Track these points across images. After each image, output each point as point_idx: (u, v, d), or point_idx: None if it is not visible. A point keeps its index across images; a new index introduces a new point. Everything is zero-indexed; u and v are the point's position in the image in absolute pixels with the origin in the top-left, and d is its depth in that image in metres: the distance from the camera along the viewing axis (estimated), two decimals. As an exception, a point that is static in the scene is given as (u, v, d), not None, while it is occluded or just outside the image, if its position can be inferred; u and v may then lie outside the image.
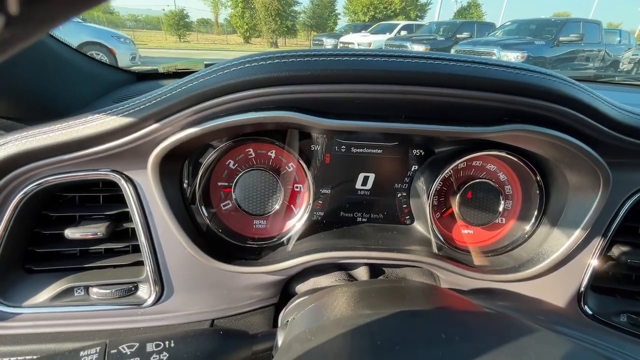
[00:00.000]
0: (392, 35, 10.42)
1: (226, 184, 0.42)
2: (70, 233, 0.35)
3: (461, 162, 0.42)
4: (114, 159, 0.34)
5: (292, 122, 0.29)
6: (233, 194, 0.39)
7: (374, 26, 11.76)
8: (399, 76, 0.28)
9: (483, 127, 0.31)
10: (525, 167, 0.41)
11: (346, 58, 0.29)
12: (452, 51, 7.30)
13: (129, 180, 0.35)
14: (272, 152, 0.42)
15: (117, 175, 0.35)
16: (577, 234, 0.37)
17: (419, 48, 8.24)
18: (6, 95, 0.44)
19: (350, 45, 9.95)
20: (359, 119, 0.32)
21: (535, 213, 0.42)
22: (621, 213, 0.38)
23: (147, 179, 0.34)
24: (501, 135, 0.31)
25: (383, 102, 0.29)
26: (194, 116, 0.30)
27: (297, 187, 0.43)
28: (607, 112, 0.32)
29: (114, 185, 0.36)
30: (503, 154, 0.40)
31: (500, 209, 0.42)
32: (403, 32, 10.63)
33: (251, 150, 0.41)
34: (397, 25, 10.94)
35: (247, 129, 0.34)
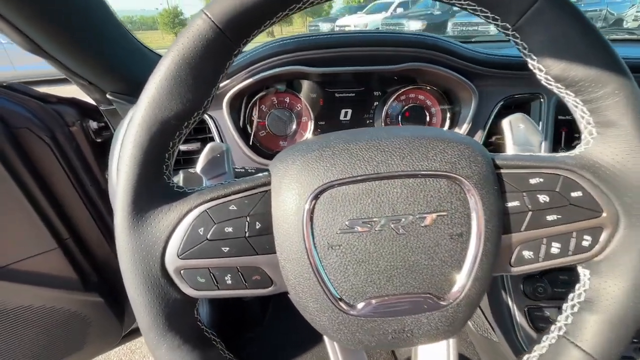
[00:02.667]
0: (388, 14, 10.43)
1: (261, 120, 0.70)
2: (183, 147, 0.64)
3: (402, 95, 0.69)
4: None
5: (300, 71, 0.57)
6: (266, 123, 0.68)
7: (369, 6, 11.76)
8: (349, 41, 0.56)
9: (395, 65, 0.58)
10: (439, 95, 0.68)
11: (327, 36, 0.57)
12: (449, 24, 7.35)
13: (211, 116, 0.63)
14: (287, 99, 0.70)
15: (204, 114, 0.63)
16: (468, 127, 0.64)
17: (415, 24, 8.26)
18: (110, 73, 0.69)
19: (346, 28, 9.99)
20: (335, 65, 0.59)
21: (448, 123, 0.69)
22: (493, 113, 0.64)
23: (221, 114, 0.62)
24: (405, 68, 0.58)
25: (344, 57, 0.57)
26: (249, 73, 0.57)
27: (304, 119, 0.71)
28: (466, 53, 0.59)
29: (200, 122, 0.64)
30: (424, 87, 0.67)
31: (426, 122, 0.69)
32: (399, 10, 10.63)
33: (274, 98, 0.69)
34: (392, 3, 10.95)
35: (277, 80, 0.62)
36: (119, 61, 0.68)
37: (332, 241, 0.29)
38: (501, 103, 0.63)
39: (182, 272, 0.31)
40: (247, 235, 0.31)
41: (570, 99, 0.32)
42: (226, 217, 0.31)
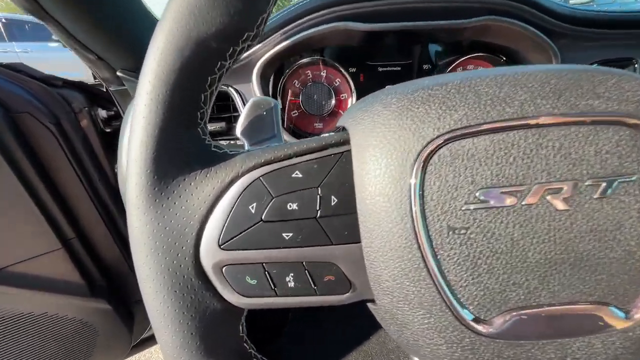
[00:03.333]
0: None
1: (293, 98, 0.60)
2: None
3: (457, 67, 0.59)
4: (226, 77, 0.52)
5: (346, 29, 0.47)
6: (300, 100, 0.58)
7: None
8: None
9: (468, 19, 0.48)
10: (506, 63, 0.57)
11: None
12: None
13: (237, 91, 0.54)
14: (324, 72, 0.60)
15: (230, 88, 0.53)
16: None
17: None
18: (122, 46, 0.60)
19: None
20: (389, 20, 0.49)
21: None
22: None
23: (250, 88, 0.52)
24: (480, 23, 0.48)
25: (400, 10, 0.47)
26: (283, 35, 0.48)
27: (342, 97, 0.61)
28: (552, 6, 0.48)
29: (224, 99, 0.55)
30: (483, 54, 0.57)
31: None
32: None
33: (309, 72, 0.59)
34: None
35: (313, 46, 0.52)
36: (133, 33, 0.59)
37: (453, 222, 0.19)
38: None
39: (224, 269, 0.21)
40: (318, 215, 0.21)
41: None
42: (289, 188, 0.21)
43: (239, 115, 0.54)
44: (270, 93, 0.58)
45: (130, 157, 0.20)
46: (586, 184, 0.19)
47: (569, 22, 0.49)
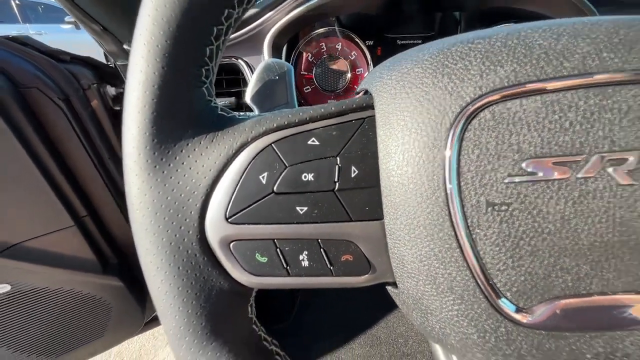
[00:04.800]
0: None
1: (306, 72, 0.57)
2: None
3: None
4: (236, 48, 0.50)
5: None
6: (314, 75, 0.55)
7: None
8: None
9: None
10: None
11: None
12: None
13: (247, 64, 0.51)
14: (339, 45, 0.56)
15: (240, 60, 0.51)
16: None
17: None
18: (130, 17, 0.58)
19: None
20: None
21: None
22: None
23: (259, 60, 0.49)
24: None
25: None
26: (297, 1, 0.44)
27: (358, 71, 0.58)
28: None
29: (233, 73, 0.52)
30: (512, 23, 0.52)
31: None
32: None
33: (324, 44, 0.56)
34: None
35: (328, 14, 0.48)
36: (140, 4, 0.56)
37: (493, 197, 0.17)
38: None
39: (231, 245, 0.19)
40: (337, 187, 0.19)
41: None
42: (304, 157, 0.19)
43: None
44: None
45: (126, 118, 0.17)
46: None
47: None
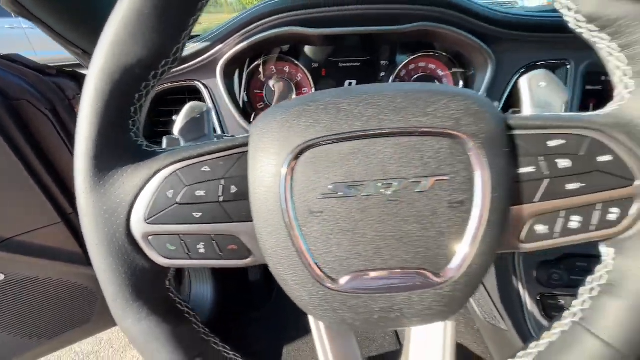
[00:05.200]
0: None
1: (259, 91, 0.66)
2: (174, 117, 0.61)
3: (410, 63, 0.64)
4: (196, 72, 0.58)
5: (297, 33, 0.53)
6: (264, 94, 0.64)
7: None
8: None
9: (404, 25, 0.52)
10: (451, 63, 0.62)
11: None
12: None
13: (205, 85, 0.60)
14: (286, 68, 0.65)
15: (198, 82, 0.60)
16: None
17: None
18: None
19: None
20: (336, 26, 0.54)
21: None
22: (511, 83, 0.58)
23: (216, 83, 0.58)
24: (414, 29, 0.53)
25: (346, 16, 0.52)
26: (241, 37, 0.53)
27: (304, 90, 0.67)
28: (482, 12, 0.52)
29: (197, 93, 0.61)
30: (435, 54, 0.61)
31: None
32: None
33: (273, 67, 0.65)
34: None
35: (273, 45, 0.57)
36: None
37: (313, 207, 0.26)
38: (521, 71, 0.57)
39: (150, 238, 0.28)
40: (221, 199, 0.28)
41: (604, 46, 0.27)
42: (198, 179, 0.28)
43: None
44: (240, 87, 0.64)
45: (77, 152, 0.27)
46: (411, 181, 0.25)
47: (502, 27, 0.53)
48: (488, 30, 0.53)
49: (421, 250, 0.26)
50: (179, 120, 0.34)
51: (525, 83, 0.33)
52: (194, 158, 0.28)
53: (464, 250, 0.26)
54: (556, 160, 0.27)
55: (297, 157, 0.26)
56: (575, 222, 0.27)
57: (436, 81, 0.63)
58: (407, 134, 0.25)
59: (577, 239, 0.28)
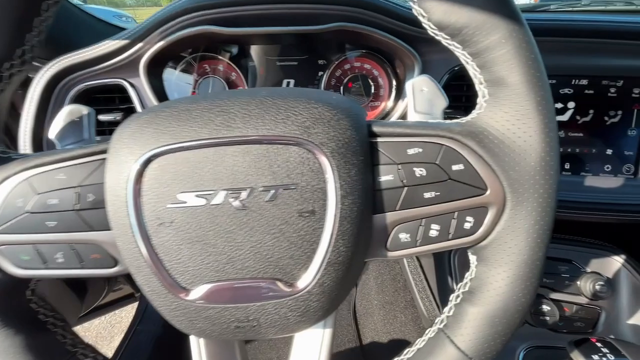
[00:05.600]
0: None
1: (193, 90, 0.65)
2: (101, 117, 0.59)
3: (344, 63, 0.63)
4: (120, 70, 0.57)
5: (210, 32, 0.52)
6: (197, 93, 0.62)
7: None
8: None
9: (320, 25, 0.52)
10: (383, 61, 0.62)
11: None
12: None
13: (131, 84, 0.58)
14: (220, 66, 0.64)
15: (123, 80, 0.58)
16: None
17: None
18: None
19: None
20: (251, 25, 0.53)
21: (394, 92, 0.63)
22: (441, 83, 0.58)
23: (141, 81, 0.57)
24: (331, 29, 0.52)
25: (261, 15, 0.51)
26: (160, 35, 0.52)
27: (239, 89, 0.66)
28: (405, 14, 0.52)
29: (123, 91, 0.59)
30: (372, 54, 0.61)
31: (371, 93, 0.63)
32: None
33: (207, 65, 0.63)
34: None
35: (195, 43, 0.56)
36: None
37: (163, 217, 0.25)
38: (447, 75, 0.57)
39: (1, 248, 0.27)
40: (77, 207, 0.27)
41: (459, 53, 0.27)
42: (52, 187, 0.27)
43: (134, 107, 0.58)
44: (173, 85, 0.63)
45: None
46: (259, 190, 0.25)
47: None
48: (411, 31, 0.53)
49: (273, 260, 0.26)
50: (55, 124, 0.33)
51: (409, 89, 0.33)
52: (48, 165, 0.27)
53: (317, 260, 0.26)
54: (414, 169, 0.26)
55: (145, 165, 0.25)
56: (434, 230, 0.27)
57: (371, 81, 0.63)
58: (255, 141, 0.25)
59: (438, 247, 0.28)
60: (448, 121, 0.28)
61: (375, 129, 0.27)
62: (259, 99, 0.26)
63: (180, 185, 0.25)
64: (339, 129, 0.25)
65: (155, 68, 0.57)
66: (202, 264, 0.26)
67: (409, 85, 0.33)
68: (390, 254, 0.28)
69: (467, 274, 0.30)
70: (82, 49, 0.55)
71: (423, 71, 0.56)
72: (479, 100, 0.28)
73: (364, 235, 0.27)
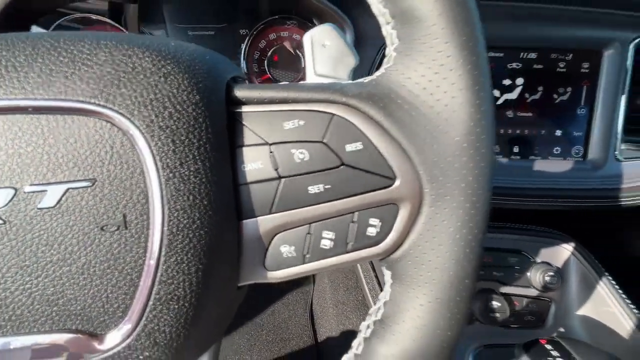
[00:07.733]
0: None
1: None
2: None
3: (269, 32, 0.53)
4: None
5: None
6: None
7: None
8: None
9: None
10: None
11: None
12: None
13: None
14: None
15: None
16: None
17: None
18: None
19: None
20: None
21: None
22: (377, 59, 0.50)
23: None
24: None
25: None
26: None
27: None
28: None
29: None
30: (299, 21, 0.52)
31: (301, 68, 0.54)
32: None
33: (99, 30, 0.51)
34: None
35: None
36: None
37: None
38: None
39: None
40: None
41: None
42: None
43: None
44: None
45: None
46: (27, 190, 0.15)
47: None
48: None
49: (65, 302, 0.16)
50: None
51: (307, 42, 0.24)
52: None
53: (141, 297, 0.16)
54: (292, 151, 0.18)
55: None
56: (327, 239, 0.19)
57: (300, 53, 0.54)
58: (17, 109, 0.15)
59: (335, 262, 0.19)
60: (343, 82, 0.20)
61: (238, 92, 0.18)
62: (38, 42, 0.16)
63: None
64: (168, 88, 0.16)
65: (14, 29, 0.43)
66: None
67: (307, 39, 0.24)
68: (272, 274, 0.20)
69: (381, 295, 0.22)
70: None
71: (357, 43, 0.47)
72: (388, 50, 0.19)
73: (225, 252, 0.18)
